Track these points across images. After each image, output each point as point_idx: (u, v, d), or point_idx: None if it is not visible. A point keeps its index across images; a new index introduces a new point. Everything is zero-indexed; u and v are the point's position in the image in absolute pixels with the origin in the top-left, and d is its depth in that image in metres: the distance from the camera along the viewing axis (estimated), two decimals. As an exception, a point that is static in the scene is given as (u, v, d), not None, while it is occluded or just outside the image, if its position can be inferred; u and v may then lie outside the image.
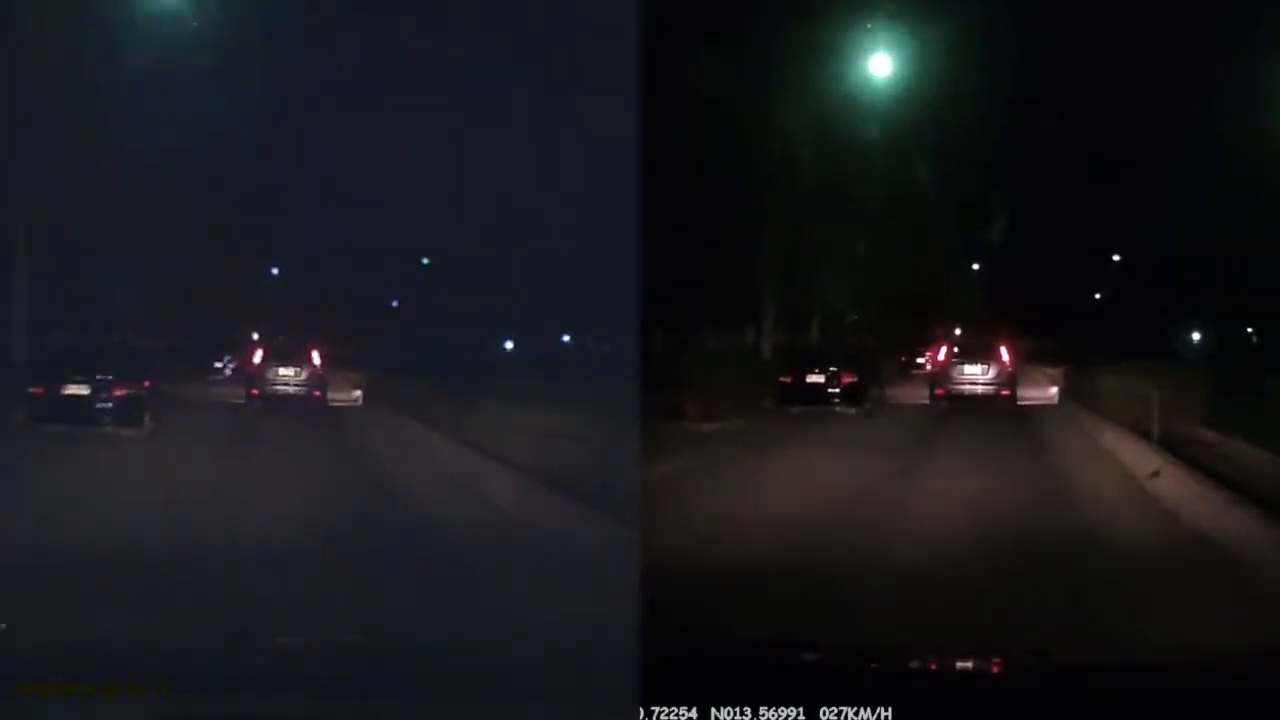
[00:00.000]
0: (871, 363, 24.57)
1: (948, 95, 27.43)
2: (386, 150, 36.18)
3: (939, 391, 23.29)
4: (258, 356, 23.36)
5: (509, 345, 47.14)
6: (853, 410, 21.31)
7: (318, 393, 22.81)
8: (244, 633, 3.91)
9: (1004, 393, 22.93)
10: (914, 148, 28.79)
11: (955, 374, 23.38)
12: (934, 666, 3.63)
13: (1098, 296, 48.04)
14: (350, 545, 8.90)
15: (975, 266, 46.76)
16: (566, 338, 43.15)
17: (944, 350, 24.31)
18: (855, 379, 22.15)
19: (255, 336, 33.61)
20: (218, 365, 32.67)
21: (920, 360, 35.12)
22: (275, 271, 45.98)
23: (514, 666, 3.38)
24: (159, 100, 25.83)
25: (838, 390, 21.78)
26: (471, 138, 33.74)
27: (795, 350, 29.47)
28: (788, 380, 22.40)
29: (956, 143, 30.39)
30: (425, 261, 43.61)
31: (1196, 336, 42.39)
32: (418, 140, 35.45)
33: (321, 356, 23.21)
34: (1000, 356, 23.31)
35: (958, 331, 35.02)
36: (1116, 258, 43.01)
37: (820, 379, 22.06)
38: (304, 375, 22.81)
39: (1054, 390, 27.02)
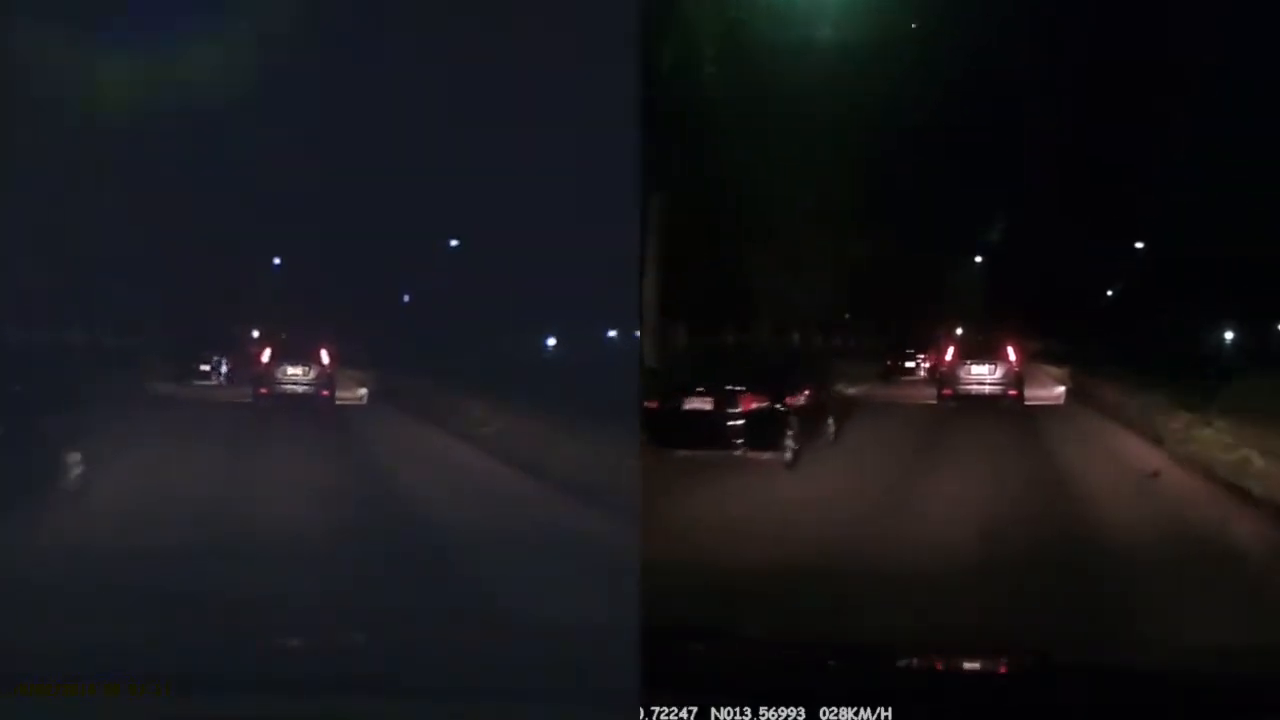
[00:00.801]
0: (810, 376, 16.07)
1: (946, 65, 26.48)
2: (395, 136, 34.13)
3: (946, 391, 23.27)
4: (266, 355, 23.28)
5: (551, 342, 42.16)
6: (766, 455, 13.55)
7: (326, 392, 22.82)
8: (244, 633, 3.91)
9: (1011, 393, 22.92)
10: (903, 125, 27.03)
11: (962, 374, 23.31)
12: (934, 666, 3.63)
13: (1109, 293, 45.97)
14: (350, 545, 8.92)
15: (978, 259, 44.61)
16: (613, 333, 36.56)
17: (950, 350, 24.31)
18: (769, 404, 13.86)
19: (256, 334, 32.58)
20: (204, 368, 28.34)
21: (911, 364, 33.95)
22: (277, 262, 42.71)
23: (514, 666, 3.38)
24: (153, 80, 25.24)
25: (739, 423, 13.70)
26: (471, 116, 31.91)
27: (682, 358, 23.42)
28: (653, 406, 14.07)
29: (953, 127, 29.74)
30: (454, 243, 40.23)
31: (1229, 335, 39.57)
32: (426, 123, 33.19)
33: (330, 355, 23.23)
34: (1007, 356, 23.30)
35: (959, 331, 34.70)
36: (1139, 245, 40.07)
37: (707, 404, 13.92)
38: (313, 374, 22.81)
39: (1060, 390, 27.13)
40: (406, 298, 45.04)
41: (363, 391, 25.63)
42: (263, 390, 22.66)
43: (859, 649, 3.87)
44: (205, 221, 33.66)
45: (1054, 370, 32.72)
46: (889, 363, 34.42)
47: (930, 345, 32.47)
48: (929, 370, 30.85)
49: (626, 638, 3.44)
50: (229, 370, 28.45)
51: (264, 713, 3.00)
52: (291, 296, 38.27)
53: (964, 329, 34.19)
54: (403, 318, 42.06)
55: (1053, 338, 40.40)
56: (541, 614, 6.35)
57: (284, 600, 6.42)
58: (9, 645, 3.36)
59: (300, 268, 41.03)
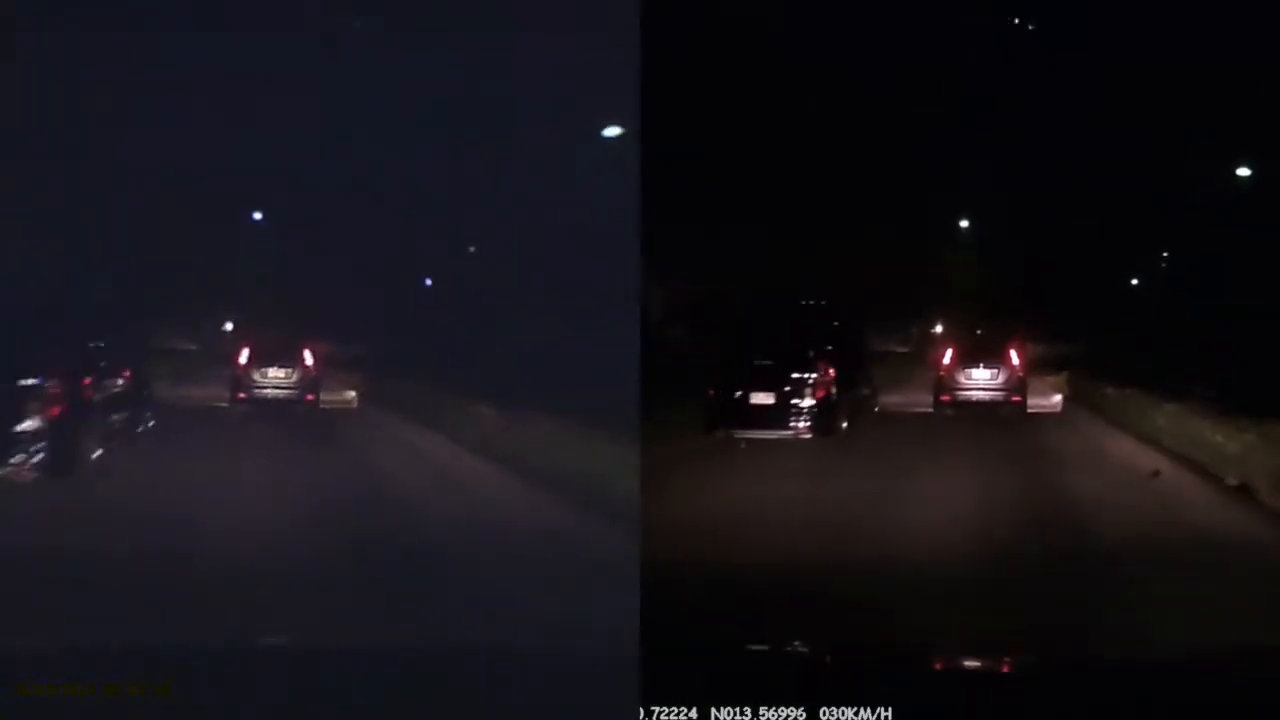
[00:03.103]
0: None
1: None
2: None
3: (944, 397, 21.93)
4: (243, 355, 21.67)
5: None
6: None
7: (310, 396, 21.48)
8: (244, 634, 3.92)
9: (1014, 399, 22.21)
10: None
11: (961, 378, 22.43)
12: (934, 666, 3.63)
13: (1135, 282, 38.90)
14: (350, 549, 8.91)
15: (964, 224, 36.70)
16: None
17: (949, 352, 23.48)
18: None
19: (229, 327, 29.93)
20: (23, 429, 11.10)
21: (768, 397, 16.59)
22: (257, 218, 32.38)
23: (514, 667, 3.38)
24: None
25: None
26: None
27: None
28: None
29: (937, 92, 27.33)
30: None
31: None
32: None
33: (315, 355, 22.21)
34: (1010, 360, 22.61)
35: (938, 328, 32.87)
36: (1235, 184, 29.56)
37: None
38: (295, 376, 21.74)
39: (1057, 398, 26.22)
40: (428, 281, 36.17)
41: (351, 394, 24.41)
42: (240, 395, 21.26)
43: (859, 649, 3.87)
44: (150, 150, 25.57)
45: (1053, 378, 30.72)
46: (714, 394, 16.75)
47: (835, 346, 17.87)
48: (819, 411, 16.61)
49: (627, 639, 3.45)
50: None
51: (264, 714, 3.00)
52: (271, 266, 30.57)
53: (950, 324, 32.10)
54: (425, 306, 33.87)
55: (1059, 339, 36.27)
56: (542, 615, 6.35)
57: (283, 602, 6.42)
58: (9, 645, 3.36)
59: (289, 226, 31.68)
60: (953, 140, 29.79)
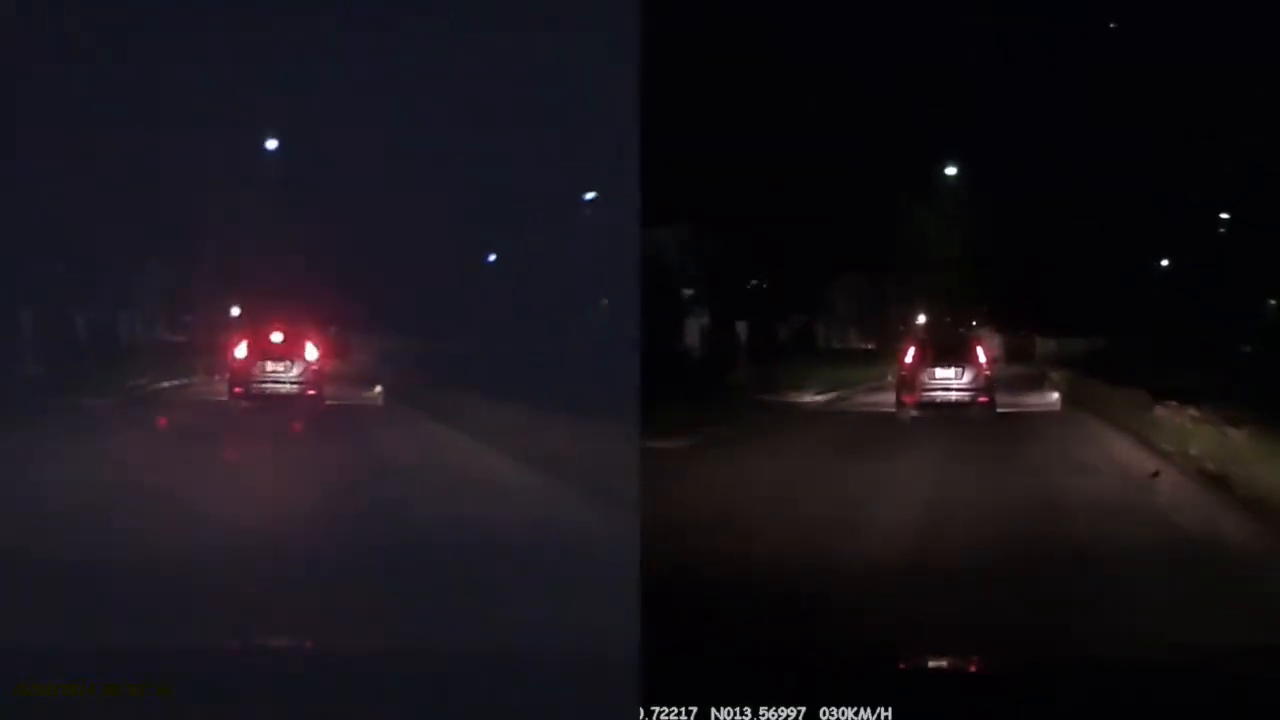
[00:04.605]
0: None
1: None
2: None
3: (908, 399, 21.06)
4: (241, 350, 20.80)
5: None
6: None
7: (313, 391, 20.67)
8: (244, 635, 3.92)
9: (982, 400, 21.34)
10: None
11: (926, 379, 21.05)
12: (934, 666, 3.63)
13: (1165, 263, 35.64)
14: (349, 550, 8.89)
15: (951, 170, 33.61)
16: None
17: (912, 351, 21.72)
18: None
19: (236, 312, 28.58)
20: None
21: None
22: (272, 146, 27.22)
23: (514, 667, 3.38)
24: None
25: None
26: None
27: None
28: None
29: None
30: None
31: None
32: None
33: (320, 349, 20.90)
34: (976, 358, 21.77)
35: (923, 320, 31.55)
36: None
37: None
38: (296, 371, 20.59)
39: (1055, 396, 25.36)
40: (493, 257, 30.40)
41: (378, 389, 23.52)
42: (238, 390, 20.51)
43: (859, 649, 3.87)
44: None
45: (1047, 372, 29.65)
46: None
47: None
48: None
49: (627, 639, 3.44)
50: None
51: (264, 715, 3.00)
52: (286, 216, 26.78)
53: (934, 319, 30.93)
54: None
55: (1072, 337, 33.09)
56: (542, 615, 6.34)
57: (283, 603, 6.42)
58: (9, 645, 3.36)
59: (310, 157, 26.43)
60: (953, 140, 29.73)
